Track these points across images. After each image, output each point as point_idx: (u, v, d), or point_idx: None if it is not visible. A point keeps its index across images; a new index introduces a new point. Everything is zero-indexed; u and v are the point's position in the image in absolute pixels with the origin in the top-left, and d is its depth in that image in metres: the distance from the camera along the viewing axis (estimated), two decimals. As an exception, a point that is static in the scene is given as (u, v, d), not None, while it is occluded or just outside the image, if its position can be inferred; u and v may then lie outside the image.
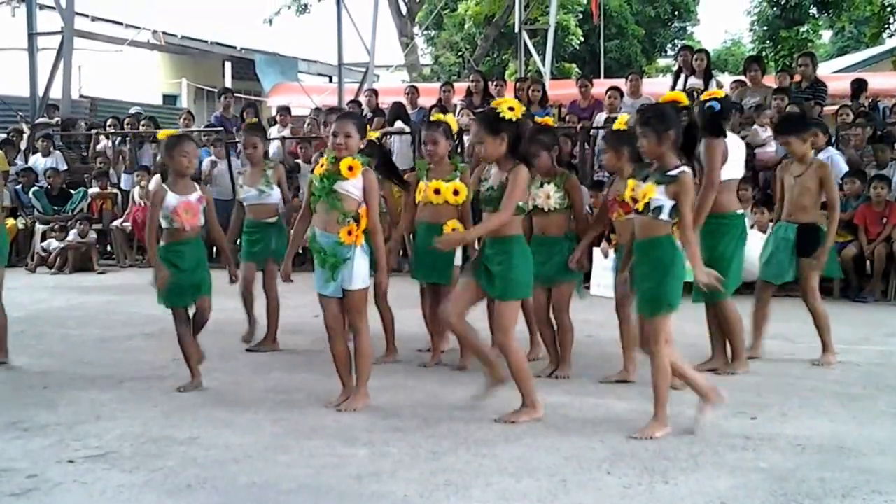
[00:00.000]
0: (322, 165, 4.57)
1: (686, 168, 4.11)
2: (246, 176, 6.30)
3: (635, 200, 4.16)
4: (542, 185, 5.22)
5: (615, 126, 5.27)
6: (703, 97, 5.41)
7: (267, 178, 6.16)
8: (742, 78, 11.39)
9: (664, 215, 4.09)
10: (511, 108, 4.22)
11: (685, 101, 4.69)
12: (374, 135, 5.71)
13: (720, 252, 5.25)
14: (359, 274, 4.53)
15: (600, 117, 10.66)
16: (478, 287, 4.42)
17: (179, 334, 5.04)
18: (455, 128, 5.88)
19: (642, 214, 4.15)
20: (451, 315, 4.43)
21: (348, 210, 4.49)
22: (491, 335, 4.56)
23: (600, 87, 12.34)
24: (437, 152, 5.49)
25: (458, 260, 5.61)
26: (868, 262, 8.64)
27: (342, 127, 4.49)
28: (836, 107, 10.82)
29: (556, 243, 5.24)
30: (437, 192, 5.42)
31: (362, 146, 4.62)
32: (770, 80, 11.71)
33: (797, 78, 10.90)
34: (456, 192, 5.42)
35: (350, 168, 4.46)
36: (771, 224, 6.36)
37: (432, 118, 5.94)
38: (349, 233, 4.48)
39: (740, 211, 5.55)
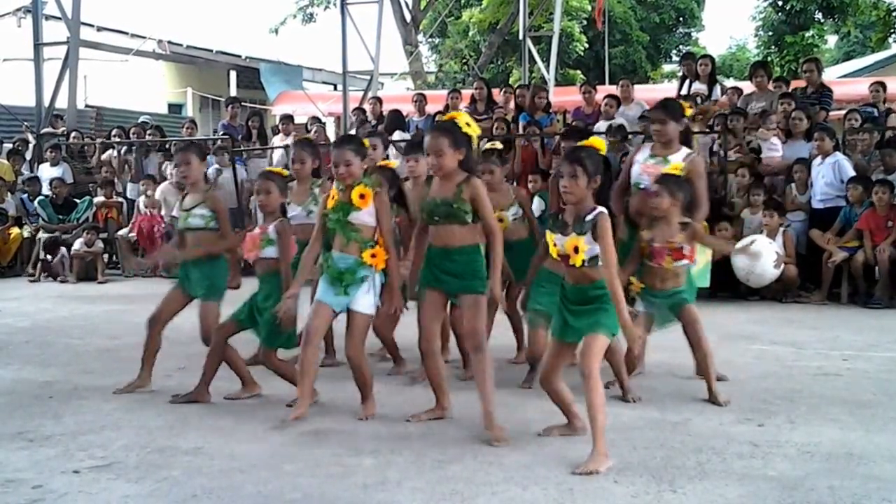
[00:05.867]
0: (332, 198, 4.53)
1: (603, 209, 3.94)
2: (292, 193, 5.79)
3: (564, 257, 3.98)
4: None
5: (669, 170, 4.99)
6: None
7: (315, 196, 5.79)
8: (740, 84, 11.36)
9: (600, 262, 3.93)
10: (468, 124, 4.29)
11: (604, 147, 4.15)
12: (392, 164, 5.63)
13: None
14: (368, 298, 4.51)
15: (600, 126, 10.58)
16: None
17: None
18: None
19: (580, 268, 3.95)
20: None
21: (366, 238, 4.48)
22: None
23: (605, 93, 12.32)
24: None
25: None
26: (876, 268, 8.61)
27: (340, 156, 4.47)
28: (842, 112, 10.79)
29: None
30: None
31: (366, 167, 4.59)
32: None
33: (802, 83, 10.89)
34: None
35: (362, 196, 4.44)
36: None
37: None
38: (373, 255, 4.47)
39: None
